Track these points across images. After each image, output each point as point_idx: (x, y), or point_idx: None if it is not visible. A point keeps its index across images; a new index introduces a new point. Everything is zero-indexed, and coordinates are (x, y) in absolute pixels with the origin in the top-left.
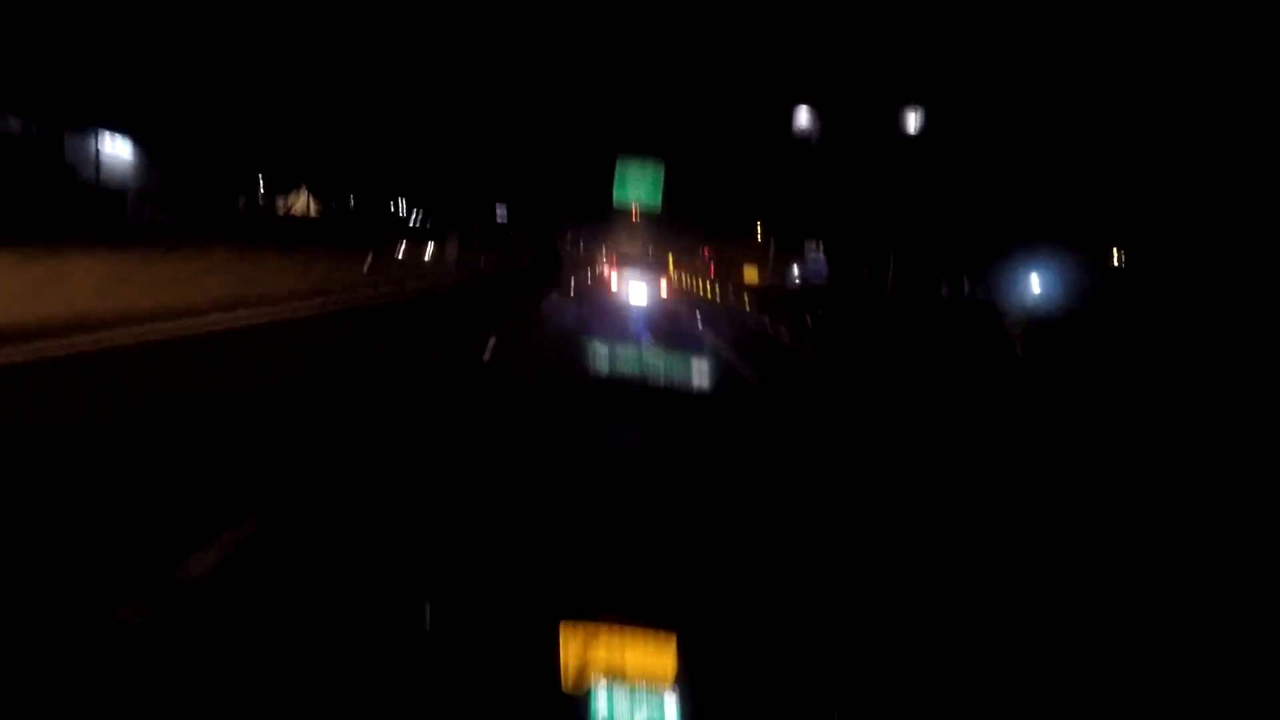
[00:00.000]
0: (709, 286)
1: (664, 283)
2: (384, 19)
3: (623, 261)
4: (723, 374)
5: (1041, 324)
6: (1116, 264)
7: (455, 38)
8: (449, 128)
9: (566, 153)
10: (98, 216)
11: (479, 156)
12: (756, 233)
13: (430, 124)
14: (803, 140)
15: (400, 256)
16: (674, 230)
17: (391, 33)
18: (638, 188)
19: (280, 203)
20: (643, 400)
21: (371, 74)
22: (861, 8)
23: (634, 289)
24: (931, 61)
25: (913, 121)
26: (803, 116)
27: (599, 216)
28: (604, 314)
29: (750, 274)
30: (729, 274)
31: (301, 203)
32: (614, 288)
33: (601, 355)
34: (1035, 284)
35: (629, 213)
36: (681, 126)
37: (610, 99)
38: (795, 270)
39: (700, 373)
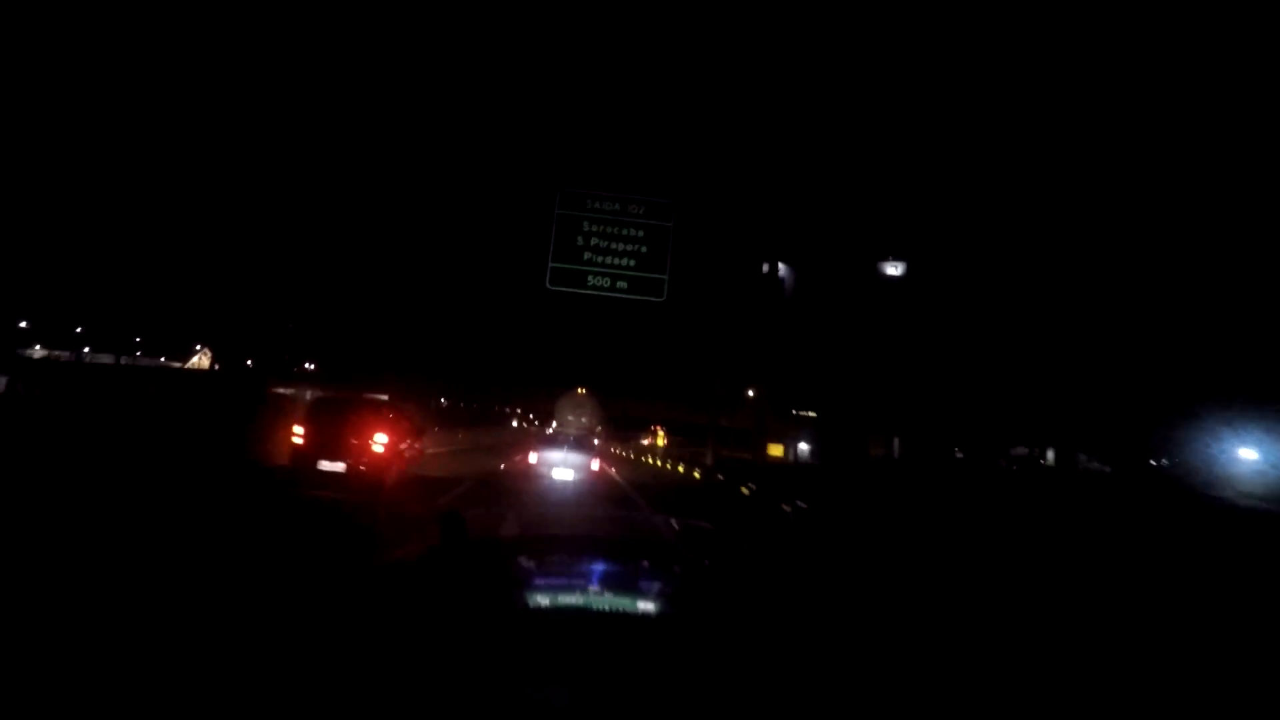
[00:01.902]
0: (668, 463)
1: (596, 461)
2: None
3: (551, 439)
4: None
5: None
6: None
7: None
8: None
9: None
10: None
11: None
12: (746, 401)
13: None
14: (774, 287)
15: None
16: (627, 402)
17: None
18: (613, 255)
19: None
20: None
21: None
22: (829, 163)
23: (558, 469)
24: (912, 213)
25: (894, 270)
26: (776, 266)
27: (547, 391)
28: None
29: (775, 449)
30: (703, 448)
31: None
32: (535, 464)
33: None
34: (1248, 454)
35: (574, 388)
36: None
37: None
38: (803, 445)
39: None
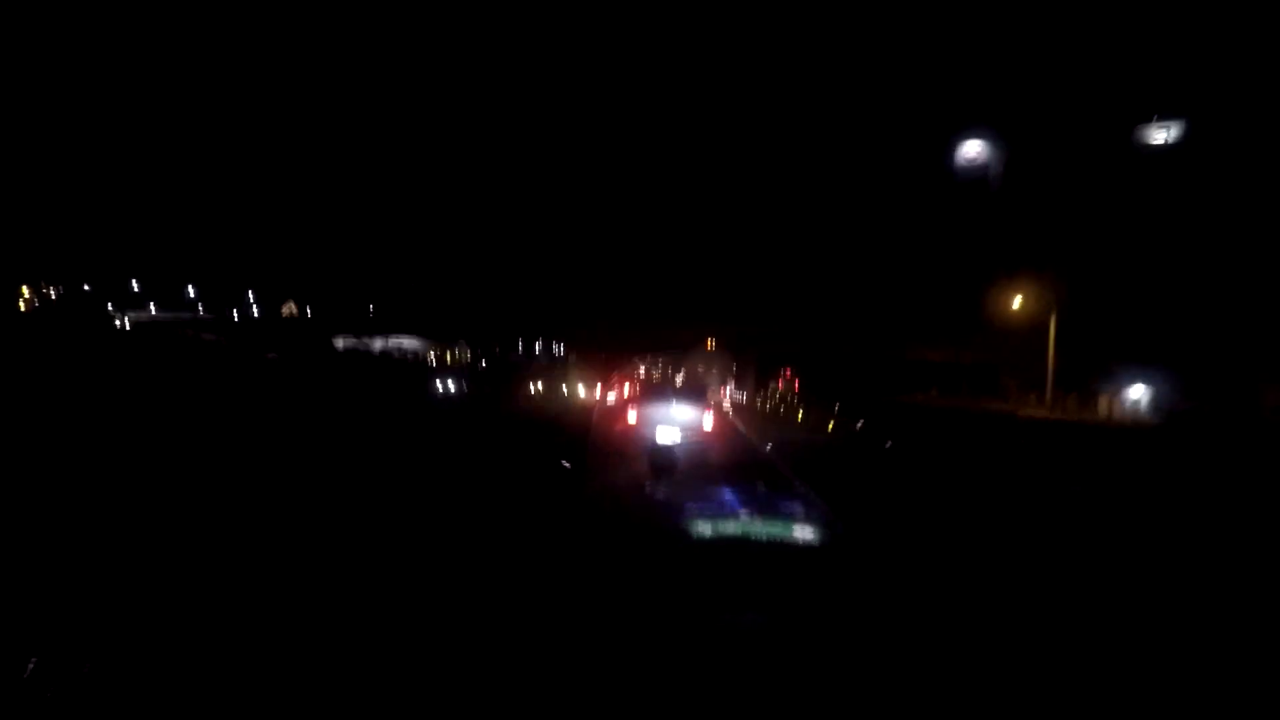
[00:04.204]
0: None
1: (709, 416)
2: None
3: (654, 391)
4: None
5: None
6: None
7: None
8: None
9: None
10: None
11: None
12: (983, 320)
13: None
14: (977, 175)
15: None
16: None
17: None
18: None
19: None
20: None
21: None
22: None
23: (661, 427)
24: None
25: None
26: (973, 146)
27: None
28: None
29: None
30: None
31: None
32: (635, 425)
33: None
34: None
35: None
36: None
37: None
38: (1136, 394)
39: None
